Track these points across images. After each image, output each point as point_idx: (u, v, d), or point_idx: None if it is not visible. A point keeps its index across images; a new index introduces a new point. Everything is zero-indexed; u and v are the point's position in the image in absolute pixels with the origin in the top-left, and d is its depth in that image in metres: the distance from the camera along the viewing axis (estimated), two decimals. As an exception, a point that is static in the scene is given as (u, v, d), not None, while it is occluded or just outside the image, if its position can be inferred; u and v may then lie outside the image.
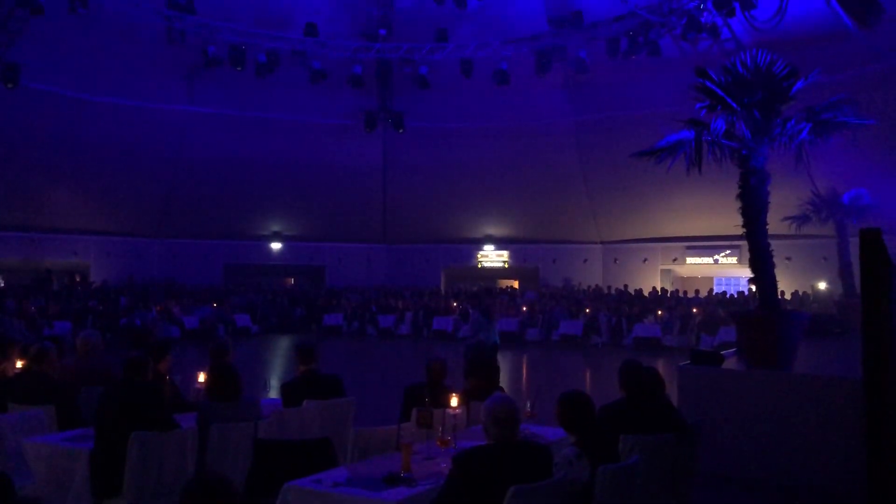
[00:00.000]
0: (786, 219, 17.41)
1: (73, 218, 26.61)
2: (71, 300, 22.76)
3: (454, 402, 5.11)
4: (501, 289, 29.04)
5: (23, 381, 6.17)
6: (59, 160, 24.84)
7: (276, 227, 30.39)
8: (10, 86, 21.48)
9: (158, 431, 4.97)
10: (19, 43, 21.32)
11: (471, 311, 12.77)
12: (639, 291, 25.64)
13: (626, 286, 26.28)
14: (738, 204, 8.38)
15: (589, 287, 27.58)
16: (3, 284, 24.70)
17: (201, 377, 6.33)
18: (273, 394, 10.28)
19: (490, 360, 6.44)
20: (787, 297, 21.30)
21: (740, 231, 8.45)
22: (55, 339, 7.47)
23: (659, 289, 26.19)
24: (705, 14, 20.45)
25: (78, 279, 27.05)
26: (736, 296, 24.16)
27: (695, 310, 21.41)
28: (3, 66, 21.28)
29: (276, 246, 30.48)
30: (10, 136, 23.38)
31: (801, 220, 18.13)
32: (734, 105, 8.01)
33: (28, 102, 22.71)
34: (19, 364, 6.59)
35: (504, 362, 17.44)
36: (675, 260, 28.25)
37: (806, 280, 23.60)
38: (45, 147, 24.29)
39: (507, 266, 30.79)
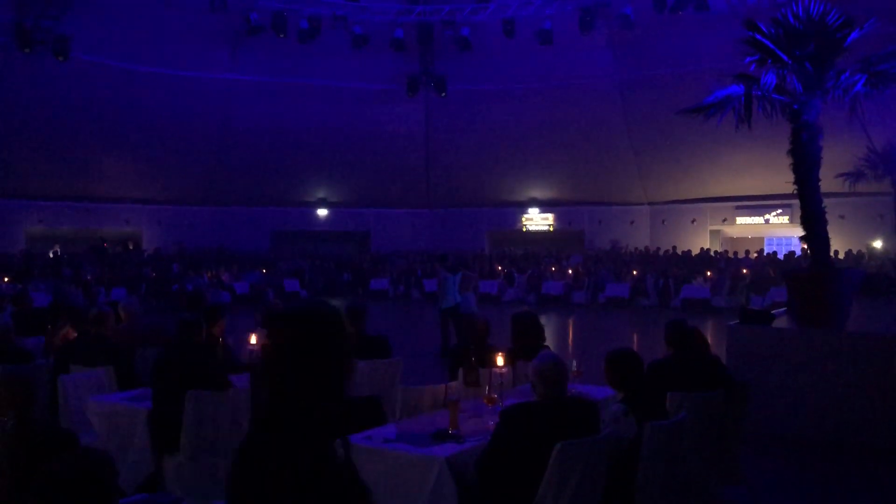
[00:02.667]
0: (839, 175, 16.96)
1: (124, 187, 27.22)
2: (125, 268, 23.35)
3: (500, 360, 5.15)
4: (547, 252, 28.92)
5: (83, 343, 6.39)
6: (109, 131, 25.37)
7: (321, 194, 30.65)
8: (60, 58, 21.90)
9: (213, 391, 5.11)
10: (68, 16, 21.69)
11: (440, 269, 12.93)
12: (687, 253, 25.29)
13: (674, 247, 25.94)
14: (790, 161, 8.17)
15: (636, 249, 27.29)
16: (59, 253, 25.44)
17: (253, 339, 6.47)
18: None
19: (535, 321, 6.45)
20: (841, 256, 20.82)
21: (792, 189, 8.25)
22: (112, 305, 7.70)
23: (709, 250, 25.80)
24: (756, -35, 19.82)
25: (131, 247, 27.74)
26: (787, 256, 23.68)
27: (744, 270, 21.05)
28: (53, 39, 21.68)
29: (322, 212, 30.77)
30: (61, 108, 23.94)
31: (856, 176, 17.64)
32: (785, 58, 7.78)
33: (78, 74, 23.18)
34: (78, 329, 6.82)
35: (550, 325, 17.45)
36: (724, 220, 27.77)
37: (860, 239, 23.00)
38: (97, 118, 24.82)
39: (552, 229, 30.61)
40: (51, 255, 24.81)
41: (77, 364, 6.12)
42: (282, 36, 23.83)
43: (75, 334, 6.76)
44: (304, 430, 1.74)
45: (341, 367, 1.79)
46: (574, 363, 5.57)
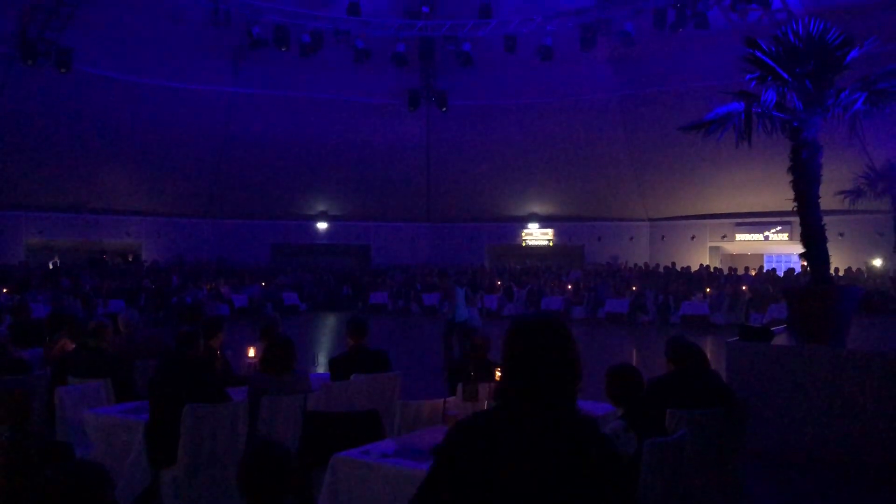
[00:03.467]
0: (839, 193, 16.91)
1: (124, 199, 27.25)
2: (124, 279, 23.34)
3: (499, 375, 5.13)
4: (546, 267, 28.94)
5: (81, 355, 6.37)
6: (110, 143, 25.44)
7: (321, 207, 30.68)
8: (63, 70, 22.00)
9: (211, 404, 5.09)
10: (70, 28, 21.80)
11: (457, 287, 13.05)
12: (686, 269, 25.29)
13: (673, 264, 25.94)
14: (789, 178, 8.17)
15: (635, 265, 27.30)
16: (59, 263, 25.43)
17: (251, 352, 6.46)
18: (321, 369, 10.44)
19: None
20: (841, 273, 20.81)
21: (791, 206, 8.24)
22: (111, 317, 7.69)
23: (708, 266, 25.81)
24: (756, -16, 19.93)
25: (130, 259, 27.73)
26: (787, 273, 23.67)
27: (744, 287, 21.04)
28: (56, 51, 21.78)
29: (322, 225, 30.78)
30: (63, 120, 24.02)
31: (855, 194, 17.58)
32: (785, 75, 7.80)
33: (80, 86, 23.27)
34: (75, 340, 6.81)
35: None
36: (723, 237, 27.78)
37: (860, 257, 23.01)
38: (98, 130, 24.88)
39: (551, 244, 30.63)
40: (50, 267, 24.79)
41: (74, 376, 6.10)
42: (284, 50, 23.92)
43: (72, 346, 6.74)
44: (537, 414, 2.15)
45: (571, 369, 2.19)
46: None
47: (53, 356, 6.73)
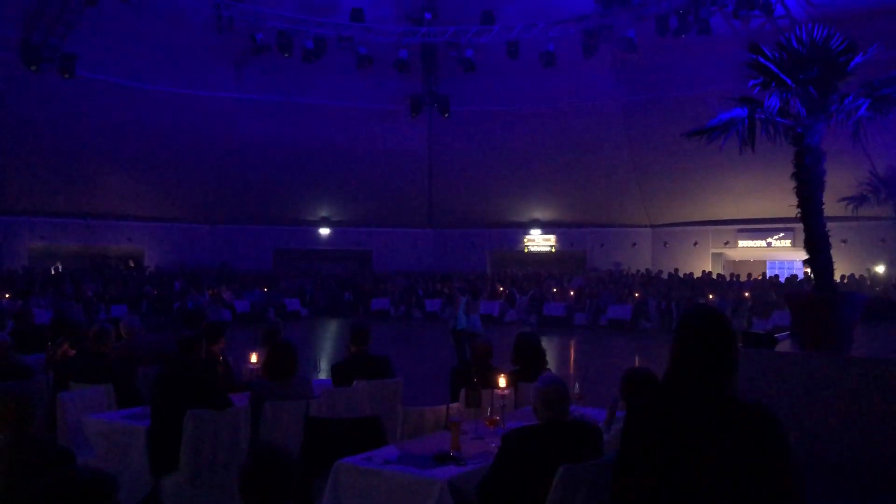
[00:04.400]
0: (842, 199, 16.89)
1: (127, 205, 27.28)
2: (126, 285, 23.34)
3: (502, 382, 5.11)
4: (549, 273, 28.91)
5: (83, 361, 6.35)
6: (113, 148, 25.47)
7: (324, 213, 30.69)
8: (66, 76, 22.05)
9: (213, 409, 5.08)
10: (74, 33, 21.85)
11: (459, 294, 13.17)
12: (689, 275, 25.25)
13: (675, 270, 25.90)
14: (793, 184, 8.16)
15: (638, 271, 27.26)
16: (61, 269, 25.44)
17: (253, 358, 6.45)
18: (322, 375, 10.42)
19: (537, 343, 6.45)
20: (844, 280, 20.77)
21: (794, 213, 8.23)
22: (113, 322, 7.68)
23: (710, 273, 25.77)
24: (758, -10, 19.93)
25: (132, 264, 27.74)
26: (789, 279, 23.64)
27: (747, 293, 21.01)
28: (59, 57, 21.84)
29: (324, 231, 30.79)
30: (66, 125, 24.06)
31: (859, 200, 17.55)
32: (789, 81, 7.79)
33: (83, 91, 23.31)
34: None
35: (551, 347, 17.37)
36: (726, 243, 27.75)
37: (863, 263, 22.96)
38: (101, 135, 24.93)
39: (553, 250, 30.60)
40: (53, 272, 24.81)
41: (76, 381, 6.09)
42: (287, 55, 23.96)
43: (73, 351, 6.73)
44: (699, 392, 2.54)
45: (730, 353, 2.63)
46: (576, 386, 5.53)
47: (55, 362, 6.71)
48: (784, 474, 2.43)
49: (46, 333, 7.98)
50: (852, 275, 22.26)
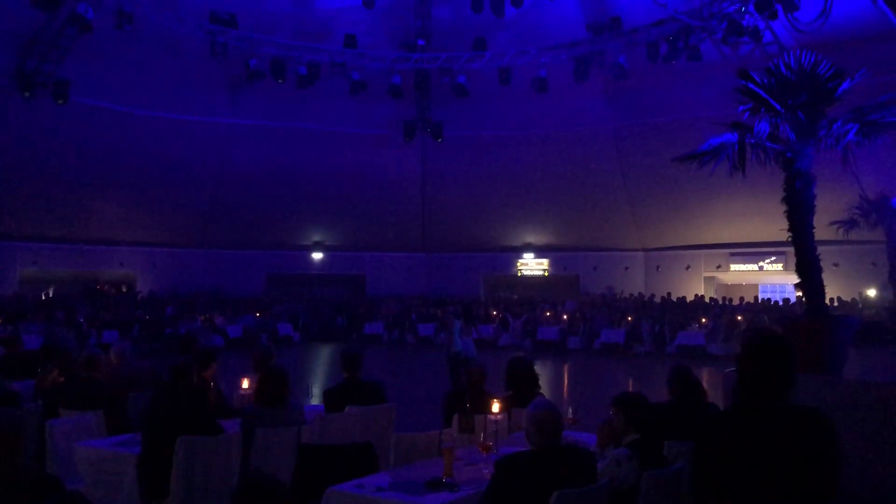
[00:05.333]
0: (833, 223, 17.05)
1: (120, 230, 27.21)
2: (118, 310, 23.23)
3: (496, 407, 5.10)
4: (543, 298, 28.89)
5: (73, 387, 6.31)
6: (106, 173, 25.45)
7: (317, 237, 30.69)
8: (60, 102, 22.10)
9: (204, 436, 5.04)
10: (68, 60, 21.94)
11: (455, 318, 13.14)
12: (682, 299, 25.28)
13: (668, 294, 25.94)
14: (783, 208, 8.21)
15: (631, 295, 27.29)
16: (52, 295, 25.31)
17: (245, 384, 6.41)
18: (315, 401, 10.36)
19: (530, 368, 6.44)
20: (836, 304, 20.83)
21: (786, 236, 8.26)
22: (104, 347, 7.64)
23: (703, 296, 25.81)
24: (746, 17, 20.18)
25: (125, 290, 27.62)
26: (781, 303, 23.69)
27: (739, 317, 21.04)
28: (53, 83, 21.91)
29: (317, 256, 30.76)
30: (59, 151, 24.06)
31: (849, 224, 17.72)
32: (778, 107, 7.86)
33: (77, 117, 23.34)
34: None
35: (545, 371, 17.34)
36: (718, 267, 27.83)
37: (854, 287, 23.04)
38: (94, 161, 24.91)
39: (547, 274, 30.62)
40: (44, 297, 24.68)
41: (65, 408, 6.04)
42: (280, 81, 24.09)
43: (63, 378, 6.68)
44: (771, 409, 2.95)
45: (791, 372, 2.99)
46: (569, 410, 5.52)
47: (44, 388, 6.66)
48: (837, 467, 2.92)
49: (36, 360, 7.92)
50: (843, 298, 22.33)
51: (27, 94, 21.79)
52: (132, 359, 7.51)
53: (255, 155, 27.68)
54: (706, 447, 2.91)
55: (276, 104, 26.47)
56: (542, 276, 30.72)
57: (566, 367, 18.91)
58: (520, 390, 6.07)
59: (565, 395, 14.22)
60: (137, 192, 26.60)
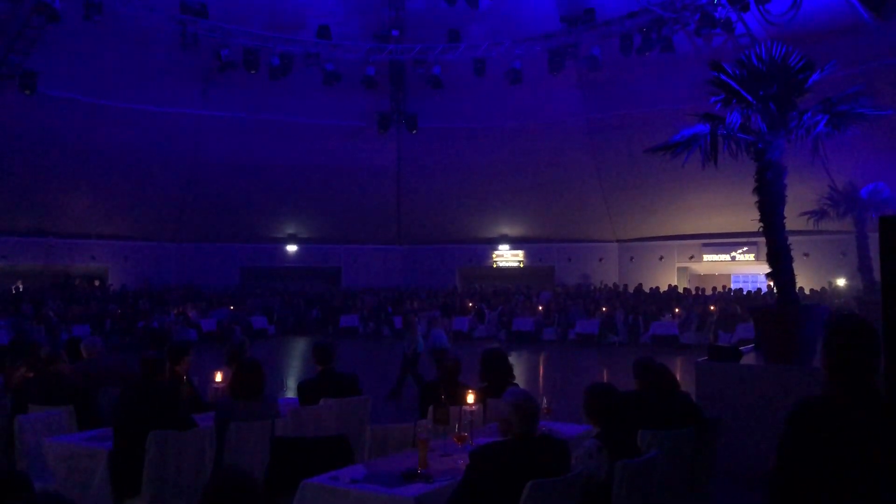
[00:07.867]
0: (803, 214, 17.23)
1: (91, 223, 26.85)
2: (90, 304, 22.93)
3: (471, 398, 5.10)
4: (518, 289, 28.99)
5: (41, 383, 6.22)
6: (76, 166, 25.08)
7: (291, 230, 30.51)
8: (28, 93, 21.69)
9: (176, 430, 4.99)
10: (36, 51, 21.54)
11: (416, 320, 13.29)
12: (655, 290, 25.50)
13: (641, 284, 26.14)
14: (755, 199, 8.30)
15: (605, 286, 27.46)
16: (21, 289, 24.92)
17: (218, 377, 6.36)
18: (290, 394, 10.30)
19: (504, 359, 6.46)
20: (806, 293, 21.11)
21: (757, 227, 8.36)
22: (75, 341, 7.52)
23: (676, 287, 26.03)
24: (719, 9, 20.34)
25: (97, 283, 27.26)
26: (753, 293, 23.97)
27: (712, 307, 21.26)
28: (21, 74, 21.50)
29: (291, 248, 30.59)
30: (28, 142, 23.65)
31: (819, 215, 17.91)
32: (749, 98, 7.94)
33: (45, 109, 22.94)
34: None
35: (520, 362, 17.41)
36: (691, 257, 28.09)
37: (825, 276, 23.37)
38: (63, 153, 24.53)
39: (522, 265, 30.72)
40: (13, 292, 24.29)
41: (35, 403, 5.95)
42: (253, 72, 23.85)
43: (32, 374, 6.58)
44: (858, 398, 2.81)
45: (872, 361, 2.84)
46: (544, 400, 5.54)
47: (14, 384, 6.56)
48: None
49: (4, 355, 7.79)
50: (814, 288, 22.64)
51: (-7, 85, 21.39)
52: (104, 353, 7.40)
53: (228, 147, 27.41)
54: (803, 438, 2.77)
55: (249, 96, 26.22)
56: (518, 268, 30.81)
57: (541, 358, 19.00)
58: (494, 381, 6.08)
59: (540, 385, 14.29)
60: (108, 185, 26.24)
